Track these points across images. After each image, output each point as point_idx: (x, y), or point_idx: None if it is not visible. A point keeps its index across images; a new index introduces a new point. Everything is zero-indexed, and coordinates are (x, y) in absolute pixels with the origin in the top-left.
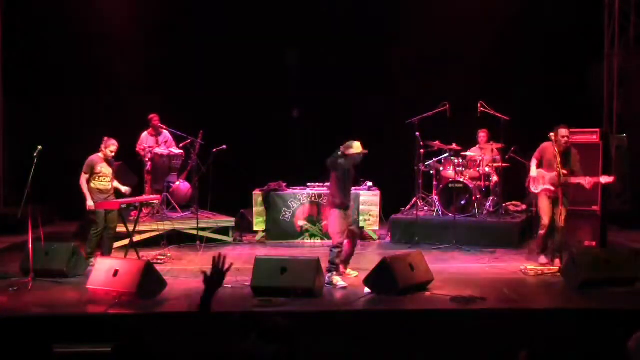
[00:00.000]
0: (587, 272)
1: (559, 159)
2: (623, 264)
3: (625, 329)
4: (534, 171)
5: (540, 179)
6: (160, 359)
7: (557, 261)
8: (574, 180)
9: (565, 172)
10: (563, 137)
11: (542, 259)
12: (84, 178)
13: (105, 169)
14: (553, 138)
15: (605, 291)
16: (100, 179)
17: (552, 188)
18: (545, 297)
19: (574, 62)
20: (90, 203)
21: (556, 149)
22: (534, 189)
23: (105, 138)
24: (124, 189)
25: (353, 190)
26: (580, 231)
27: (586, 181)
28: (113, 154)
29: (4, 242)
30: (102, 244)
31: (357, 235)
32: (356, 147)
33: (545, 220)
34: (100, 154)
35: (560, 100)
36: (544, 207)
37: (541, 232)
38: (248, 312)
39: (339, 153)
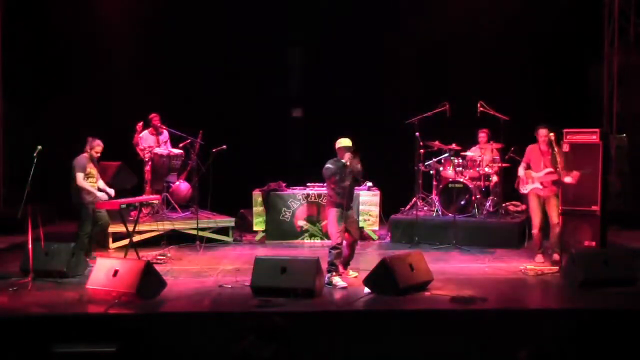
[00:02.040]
0: (587, 272)
1: (544, 158)
2: (623, 264)
3: (625, 329)
4: (521, 171)
5: (528, 179)
6: (161, 359)
7: (555, 256)
8: (562, 179)
9: (551, 169)
10: (541, 137)
11: (539, 257)
12: (80, 177)
13: (92, 170)
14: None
15: (605, 291)
16: (89, 179)
17: (541, 187)
18: (545, 297)
19: (573, 62)
20: (100, 196)
21: (541, 148)
22: (523, 189)
23: (90, 138)
24: (110, 190)
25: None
26: (580, 231)
27: (571, 177)
28: (99, 154)
29: (4, 242)
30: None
31: (355, 238)
32: (342, 141)
33: (536, 220)
34: (86, 154)
35: (560, 100)
36: (533, 206)
37: (534, 231)
38: (248, 312)
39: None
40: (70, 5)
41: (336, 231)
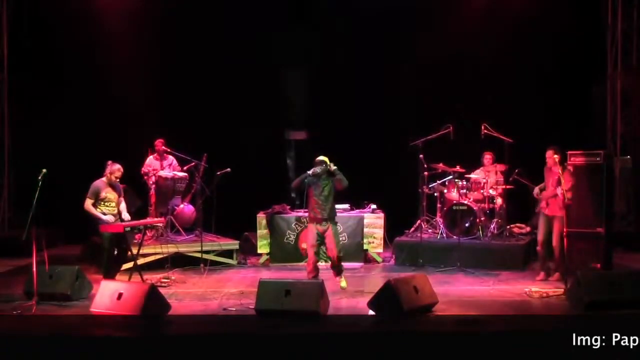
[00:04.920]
0: (592, 294)
1: (552, 178)
2: (628, 285)
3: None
4: (536, 190)
5: (538, 197)
6: None
7: (556, 275)
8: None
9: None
10: (547, 158)
11: (540, 275)
12: (88, 202)
13: (110, 194)
14: None
15: (611, 314)
16: (106, 204)
17: (542, 204)
18: (551, 319)
19: (577, 84)
20: (106, 219)
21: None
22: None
23: (109, 162)
24: (125, 216)
25: (357, 212)
26: (585, 253)
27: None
28: (118, 180)
29: (8, 264)
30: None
31: (333, 254)
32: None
33: (539, 237)
34: (104, 179)
35: (564, 122)
36: (539, 224)
37: (537, 248)
38: (252, 336)
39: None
40: (76, 28)
41: (307, 246)
